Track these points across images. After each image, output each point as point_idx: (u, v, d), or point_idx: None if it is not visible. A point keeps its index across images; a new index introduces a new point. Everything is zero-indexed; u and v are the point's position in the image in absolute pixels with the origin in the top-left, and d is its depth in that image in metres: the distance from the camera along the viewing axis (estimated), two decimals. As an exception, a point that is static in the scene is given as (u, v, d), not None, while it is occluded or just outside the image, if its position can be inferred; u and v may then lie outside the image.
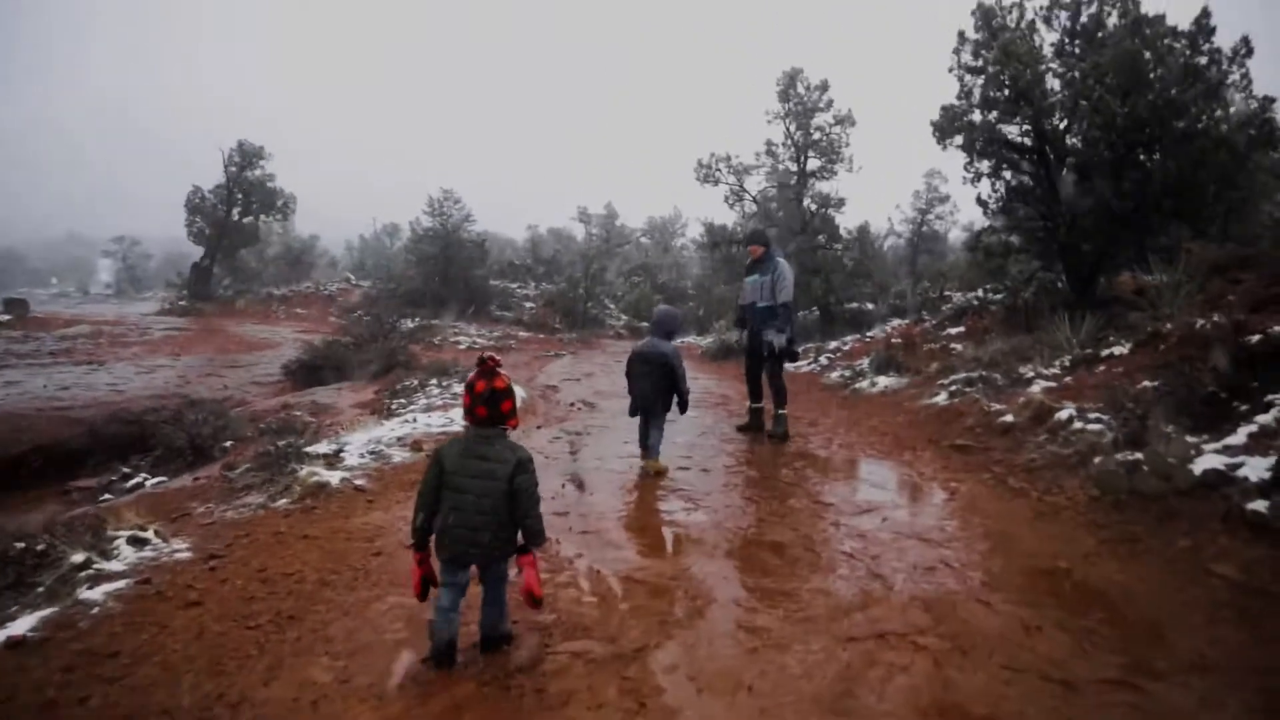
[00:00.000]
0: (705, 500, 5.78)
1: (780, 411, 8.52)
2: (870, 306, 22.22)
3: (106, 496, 10.04)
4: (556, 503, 5.80)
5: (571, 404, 12.12)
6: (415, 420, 9.88)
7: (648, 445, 6.93)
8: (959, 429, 7.75)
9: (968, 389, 9.11)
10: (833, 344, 17.16)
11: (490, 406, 3.34)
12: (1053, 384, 8.16)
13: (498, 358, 3.47)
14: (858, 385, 11.79)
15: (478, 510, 3.25)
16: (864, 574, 4.20)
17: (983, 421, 7.63)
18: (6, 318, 27.59)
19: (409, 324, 24.45)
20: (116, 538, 4.48)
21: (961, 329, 14.59)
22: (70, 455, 12.92)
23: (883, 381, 11.57)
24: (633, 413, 7.04)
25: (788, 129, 22.36)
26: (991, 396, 8.38)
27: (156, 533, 4.67)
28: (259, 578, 4.11)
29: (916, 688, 2.97)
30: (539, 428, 9.65)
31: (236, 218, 33.03)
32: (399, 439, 8.43)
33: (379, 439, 8.51)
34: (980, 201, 13.33)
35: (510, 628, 3.52)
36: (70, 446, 13.14)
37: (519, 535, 3.39)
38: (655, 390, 6.84)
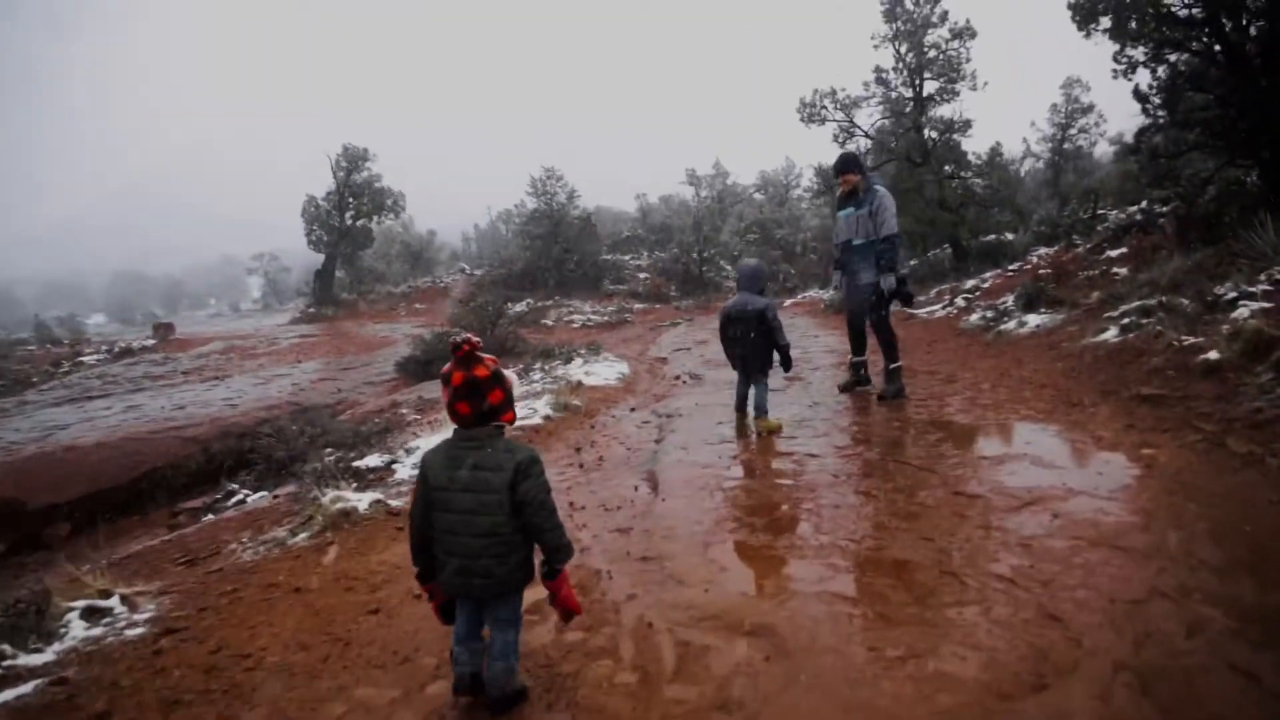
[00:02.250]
0: (808, 500, 4.48)
1: (892, 366, 7.22)
2: (1010, 237, 19.83)
3: (209, 516, 9.75)
4: (621, 514, 4.65)
5: (677, 377, 11.00)
6: (500, 413, 9.02)
7: (753, 408, 6.66)
8: (1142, 373, 6.07)
9: (1145, 320, 7.33)
10: (969, 283, 15.20)
11: (473, 401, 2.66)
12: (1266, 304, 6.31)
13: (475, 339, 2.67)
14: (1003, 327, 10.04)
15: (474, 532, 2.61)
16: (1033, 616, 2.84)
17: (1174, 361, 5.93)
18: (152, 341, 29.11)
19: (518, 308, 23.99)
20: (70, 610, 3.68)
21: (1124, 250, 12.45)
22: (187, 475, 12.90)
23: (1033, 320, 9.78)
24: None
25: (898, 51, 20.11)
26: (1181, 327, 6.61)
27: (123, 598, 3.85)
28: (205, 664, 3.17)
29: None
30: (633, 410, 8.56)
31: (350, 221, 33.53)
32: (470, 439, 7.56)
33: (450, 441, 7.67)
34: (1139, 95, 11.13)
35: (523, 682, 2.79)
36: (186, 467, 13.13)
37: (535, 559, 2.74)
38: (753, 349, 6.54)
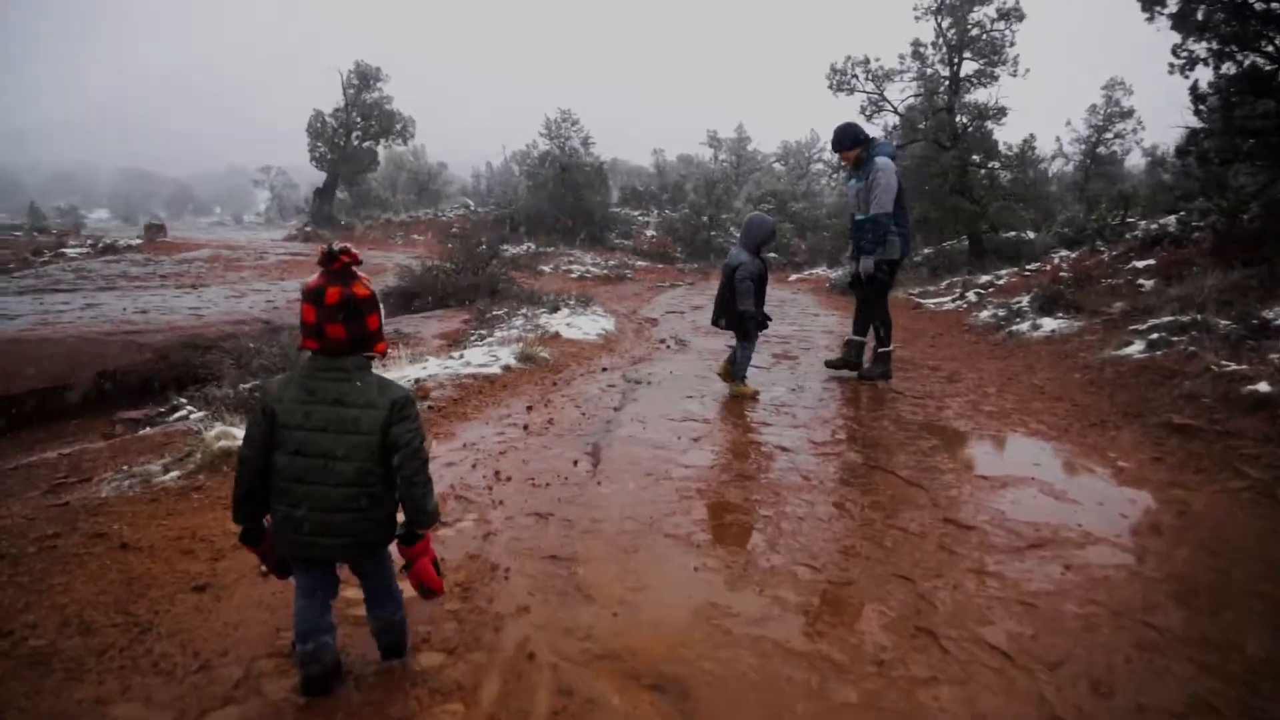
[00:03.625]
0: (768, 504, 3.72)
1: (881, 350, 6.78)
2: (1031, 235, 18.97)
3: (145, 429, 9.09)
4: (547, 494, 3.90)
5: (661, 340, 10.26)
6: (461, 356, 8.25)
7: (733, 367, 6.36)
8: (1173, 398, 5.30)
9: (1176, 338, 6.55)
10: (983, 278, 14.36)
11: (350, 325, 2.17)
12: (1325, 335, 5.54)
13: (355, 252, 2.18)
14: (1015, 327, 9.25)
15: (333, 481, 2.15)
16: (1035, 715, 2.11)
17: (1212, 388, 5.15)
18: (138, 241, 28.25)
19: (513, 250, 23.18)
20: None
21: (1152, 261, 11.62)
22: (140, 382, 12.17)
23: (1048, 324, 9.00)
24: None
25: (939, 26, 19.02)
26: (1221, 351, 5.82)
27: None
28: (-56, 642, 2.46)
29: None
30: (604, 370, 7.81)
31: (356, 142, 32.47)
32: (416, 381, 6.78)
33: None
34: (1196, 94, 10.23)
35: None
36: (138, 373, 12.40)
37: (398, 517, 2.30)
38: (729, 308, 6.15)
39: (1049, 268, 14.02)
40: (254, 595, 2.79)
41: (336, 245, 2.16)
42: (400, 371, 7.53)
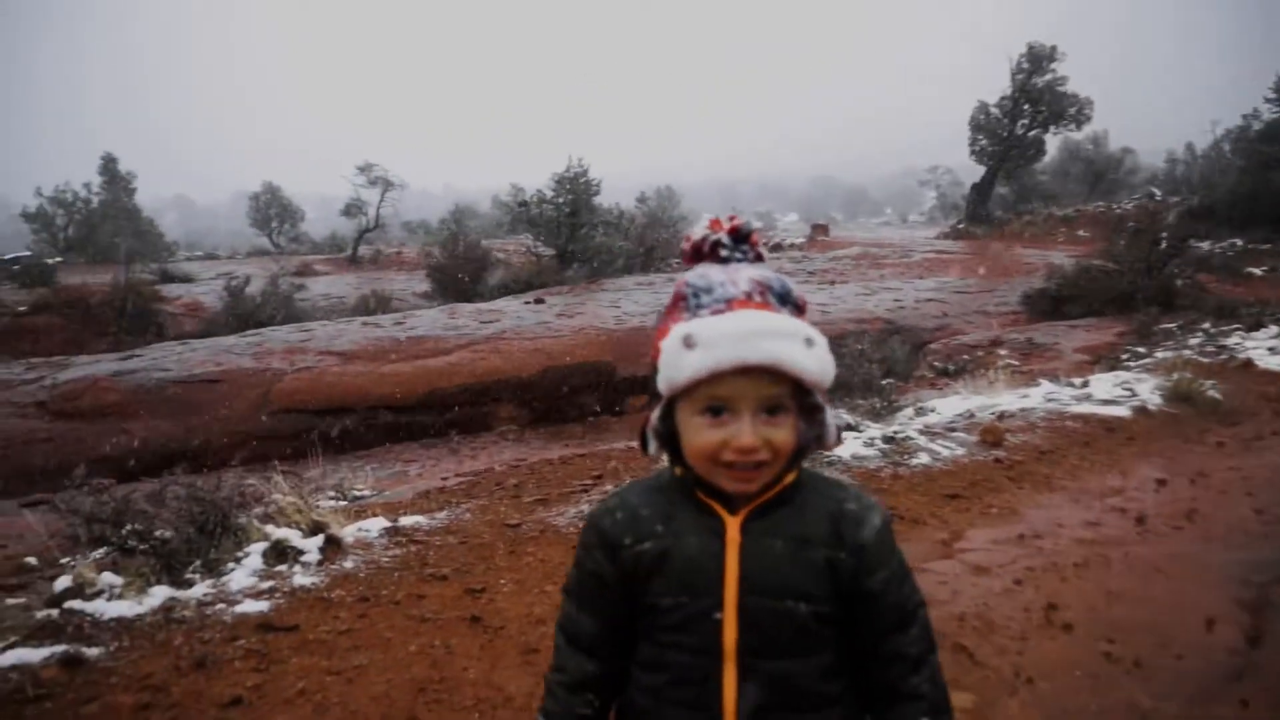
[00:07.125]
0: None
1: None
2: None
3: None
4: (1127, 685, 2.03)
5: None
6: (1084, 385, 6.17)
7: None
8: None
9: None
10: None
11: None
12: None
13: None
14: None
15: None
16: None
17: None
18: (803, 240, 30.79)
19: (1209, 246, 18.58)
20: (264, 540, 2.77)
21: None
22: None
23: None
24: None
25: None
26: None
27: (327, 542, 2.78)
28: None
29: None
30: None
31: (1021, 131, 29.87)
32: (1000, 416, 5.00)
33: (971, 411, 5.24)
34: None
35: None
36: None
37: None
38: None
39: None
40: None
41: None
42: (989, 397, 5.79)
